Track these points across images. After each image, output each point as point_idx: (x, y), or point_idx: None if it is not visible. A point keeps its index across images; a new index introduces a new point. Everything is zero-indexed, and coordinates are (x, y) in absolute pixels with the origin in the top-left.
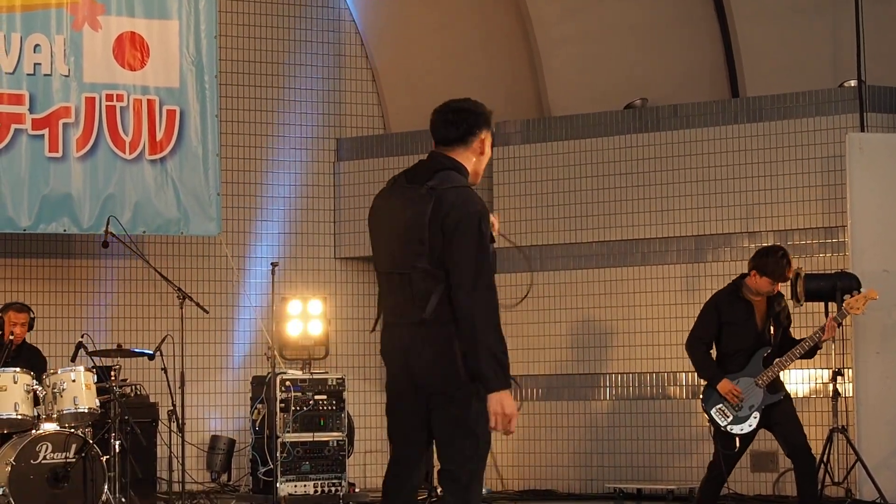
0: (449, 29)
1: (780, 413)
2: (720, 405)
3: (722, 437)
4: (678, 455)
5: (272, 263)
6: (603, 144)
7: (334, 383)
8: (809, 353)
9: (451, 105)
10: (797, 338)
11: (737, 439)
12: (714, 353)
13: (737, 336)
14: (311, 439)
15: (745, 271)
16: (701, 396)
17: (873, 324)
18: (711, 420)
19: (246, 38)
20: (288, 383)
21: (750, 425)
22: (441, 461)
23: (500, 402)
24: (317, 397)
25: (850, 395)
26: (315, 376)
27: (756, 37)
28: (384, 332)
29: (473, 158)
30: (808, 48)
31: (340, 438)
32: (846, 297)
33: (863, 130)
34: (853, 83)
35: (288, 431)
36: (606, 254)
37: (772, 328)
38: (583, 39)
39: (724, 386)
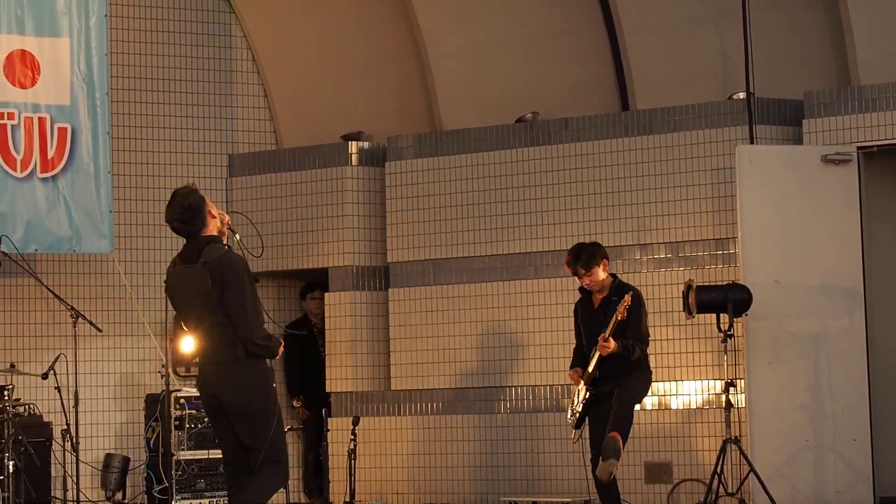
0: (340, 43)
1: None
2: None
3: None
4: (573, 468)
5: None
6: (495, 158)
7: None
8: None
9: (176, 209)
10: (685, 350)
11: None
12: None
13: (585, 333)
14: (206, 457)
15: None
16: None
17: (765, 335)
18: None
19: (137, 55)
20: (182, 401)
21: (570, 415)
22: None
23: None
24: None
25: (743, 405)
26: None
27: (645, 49)
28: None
29: (213, 226)
30: (696, 61)
31: None
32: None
33: (752, 142)
34: (742, 95)
35: (183, 449)
36: (500, 267)
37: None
38: (473, 52)
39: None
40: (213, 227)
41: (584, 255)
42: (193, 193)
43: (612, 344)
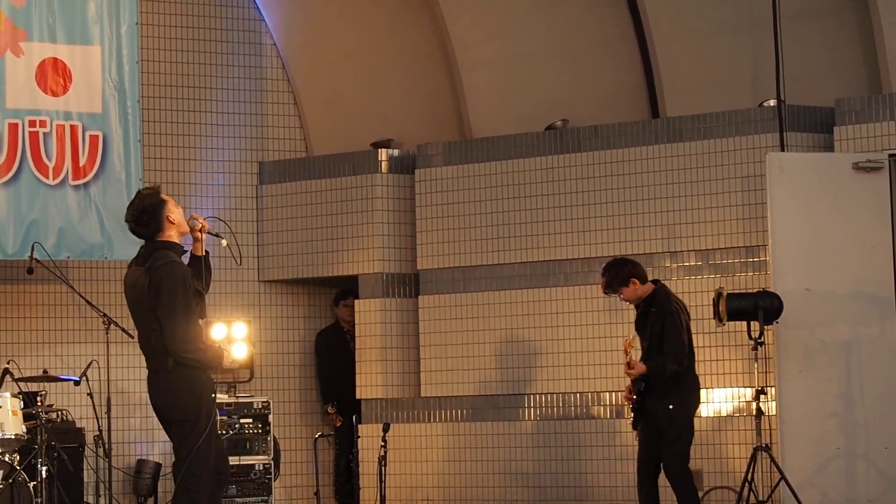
0: (369, 51)
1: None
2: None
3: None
4: (603, 475)
5: None
6: (524, 166)
7: (259, 406)
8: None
9: (132, 210)
10: (716, 357)
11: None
12: None
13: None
14: (238, 463)
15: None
16: None
17: (796, 343)
18: None
19: (168, 62)
20: None
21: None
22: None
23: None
24: (242, 421)
25: (774, 413)
26: (240, 400)
27: (675, 57)
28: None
29: (172, 232)
30: (727, 68)
31: (266, 461)
32: None
33: (783, 150)
34: (773, 103)
35: None
36: (529, 275)
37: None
38: (503, 60)
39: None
40: (172, 233)
41: (604, 280)
42: (152, 196)
43: (636, 370)
